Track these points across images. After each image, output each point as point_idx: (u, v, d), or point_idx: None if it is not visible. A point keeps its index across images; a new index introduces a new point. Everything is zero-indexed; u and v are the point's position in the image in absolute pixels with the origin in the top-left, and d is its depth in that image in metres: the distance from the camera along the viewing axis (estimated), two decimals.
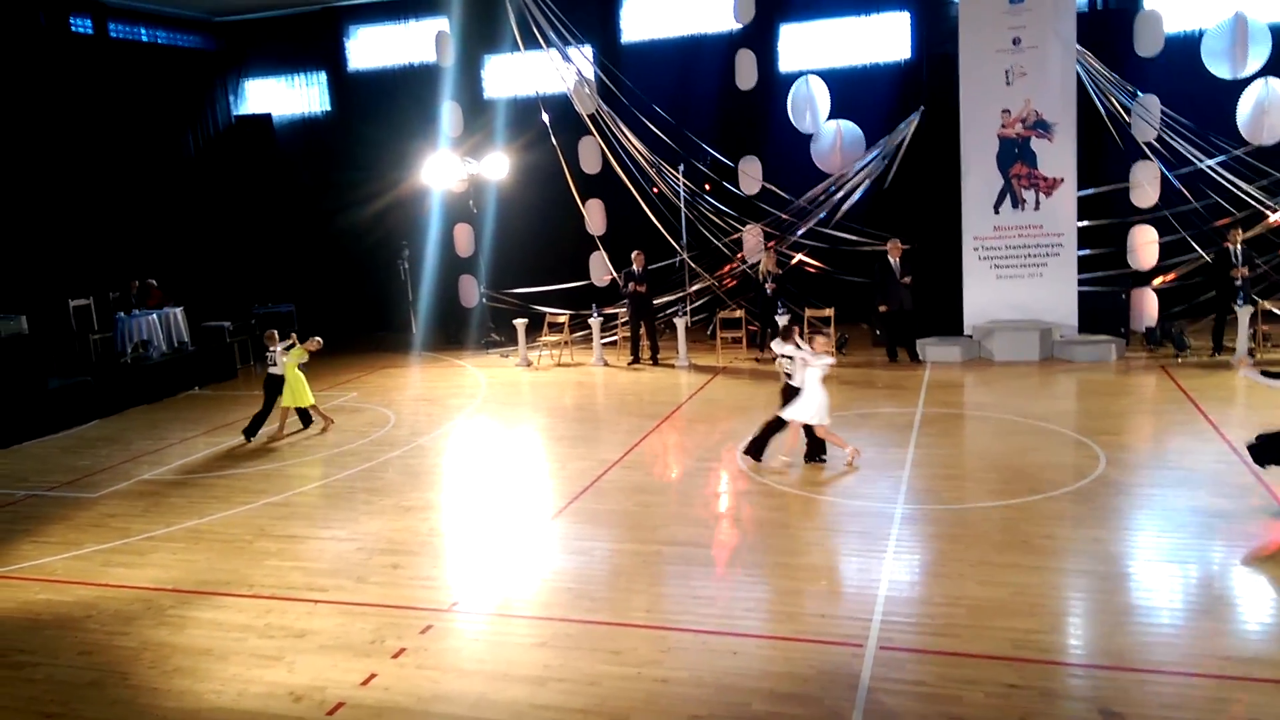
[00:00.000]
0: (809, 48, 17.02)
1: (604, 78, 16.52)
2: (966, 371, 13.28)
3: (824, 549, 7.40)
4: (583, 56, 16.75)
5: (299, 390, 11.58)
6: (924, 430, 10.34)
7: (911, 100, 15.61)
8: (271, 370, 11.64)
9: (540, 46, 16.21)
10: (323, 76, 20.11)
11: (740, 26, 16.16)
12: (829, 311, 14.55)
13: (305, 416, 11.89)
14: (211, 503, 9.24)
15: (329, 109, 20.18)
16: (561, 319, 15.95)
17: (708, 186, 16.49)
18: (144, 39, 18.12)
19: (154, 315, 15.39)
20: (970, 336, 14.22)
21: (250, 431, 11.53)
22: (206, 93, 19.35)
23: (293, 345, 11.65)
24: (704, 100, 17.06)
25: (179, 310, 15.91)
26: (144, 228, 17.15)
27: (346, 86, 19.91)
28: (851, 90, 16.19)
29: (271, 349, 11.62)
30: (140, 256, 16.73)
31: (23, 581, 7.54)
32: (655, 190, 16.27)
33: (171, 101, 18.23)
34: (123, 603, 6.98)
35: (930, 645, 5.66)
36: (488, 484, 9.58)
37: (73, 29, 16.41)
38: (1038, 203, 14.03)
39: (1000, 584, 6.41)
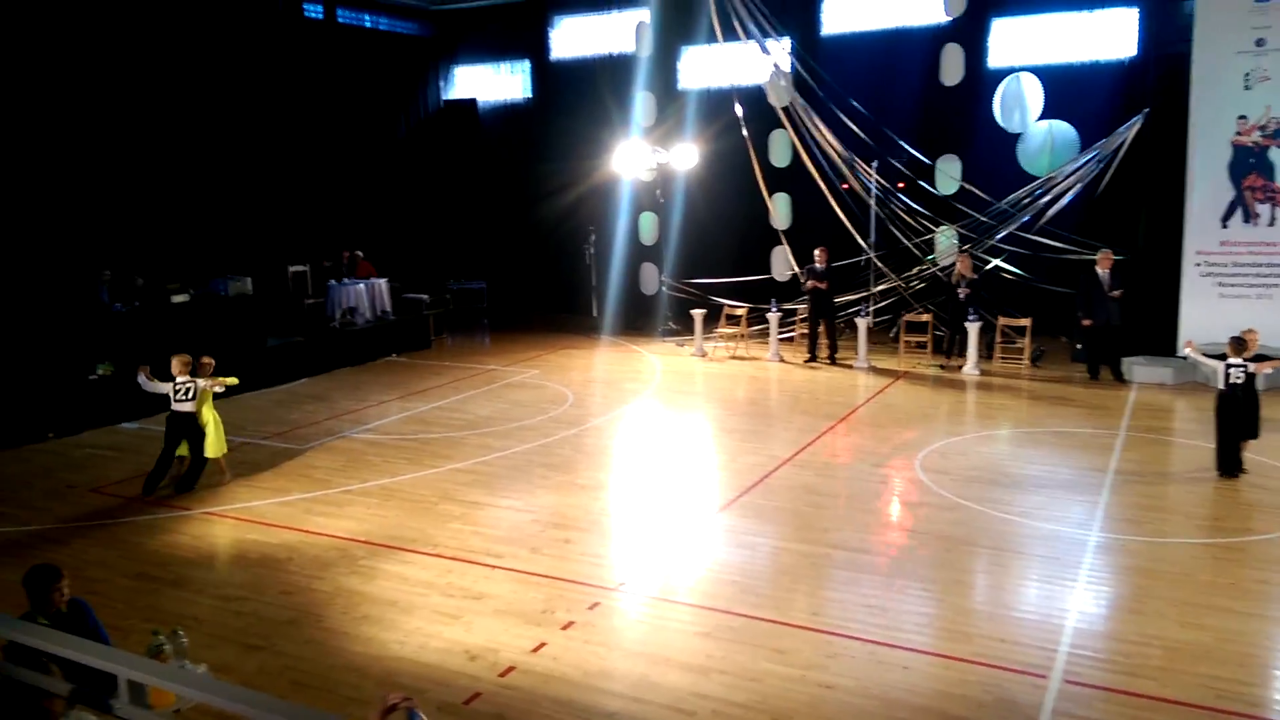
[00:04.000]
0: (1022, 43, 16.11)
1: (801, 70, 16.27)
2: (1178, 396, 12.29)
3: (1007, 570, 7.03)
4: (780, 49, 16.56)
5: (220, 436, 9.15)
6: (1126, 455, 9.64)
7: (1134, 102, 14.52)
8: (179, 407, 8.91)
9: (738, 38, 16.14)
10: (526, 65, 20.82)
11: (949, 19, 15.53)
12: (1025, 321, 13.80)
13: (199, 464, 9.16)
14: (403, 463, 9.80)
15: (530, 96, 20.89)
16: (740, 312, 15.87)
17: (901, 185, 15.96)
18: (367, 25, 19.35)
19: (361, 285, 16.49)
20: (1186, 358, 13.10)
21: (150, 488, 8.92)
22: (420, 77, 20.48)
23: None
24: (904, 96, 16.47)
25: (383, 281, 16.98)
26: (356, 202, 18.34)
27: (548, 75, 20.53)
28: (1066, 89, 15.22)
29: (181, 380, 8.91)
30: (352, 229, 17.92)
31: (236, 521, 8.26)
32: (845, 186, 15.90)
33: (388, 85, 19.41)
34: (321, 549, 7.52)
35: (1121, 684, 5.28)
36: (657, 469, 9.69)
37: (305, 14, 17.69)
38: (1273, 218, 12.77)
39: (1204, 627, 5.90)
